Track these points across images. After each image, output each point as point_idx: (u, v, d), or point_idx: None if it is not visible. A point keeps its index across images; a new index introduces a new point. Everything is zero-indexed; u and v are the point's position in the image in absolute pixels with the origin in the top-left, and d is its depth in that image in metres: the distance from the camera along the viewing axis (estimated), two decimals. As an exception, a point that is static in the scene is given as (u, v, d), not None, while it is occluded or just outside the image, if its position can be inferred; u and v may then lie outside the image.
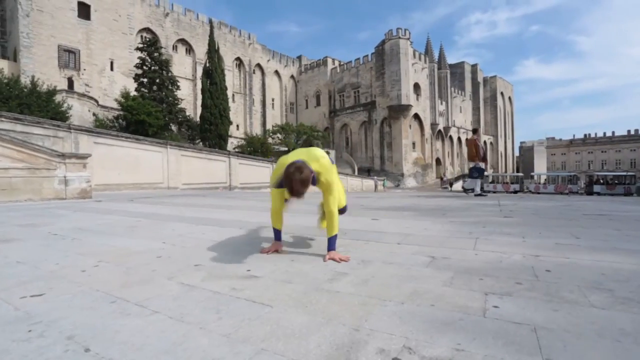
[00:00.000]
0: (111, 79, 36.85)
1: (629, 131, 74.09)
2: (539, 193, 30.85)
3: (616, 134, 75.95)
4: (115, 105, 27.71)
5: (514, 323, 1.19)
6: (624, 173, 35.11)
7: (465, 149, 65.27)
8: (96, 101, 29.79)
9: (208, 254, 2.31)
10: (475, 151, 8.86)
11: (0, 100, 18.20)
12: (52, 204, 7.32)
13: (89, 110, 27.58)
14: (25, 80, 24.06)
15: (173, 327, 1.16)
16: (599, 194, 28.34)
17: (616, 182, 30.95)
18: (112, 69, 37.13)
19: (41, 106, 19.58)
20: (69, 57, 33.53)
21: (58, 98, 22.47)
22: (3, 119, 10.76)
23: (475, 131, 9.60)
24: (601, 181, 31.90)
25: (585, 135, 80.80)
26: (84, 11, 34.62)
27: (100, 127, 21.70)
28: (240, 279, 1.73)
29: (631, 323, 1.19)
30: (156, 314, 1.28)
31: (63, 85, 30.63)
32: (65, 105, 22.54)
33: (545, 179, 38.80)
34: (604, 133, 77.74)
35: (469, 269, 1.89)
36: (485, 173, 41.53)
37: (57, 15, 32.65)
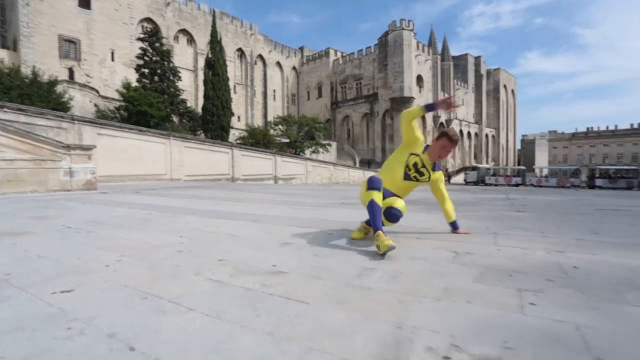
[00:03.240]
0: (112, 70, 36.58)
1: (632, 125, 73.70)
2: (541, 186, 30.81)
3: (619, 127, 75.56)
4: (116, 96, 27.52)
5: (556, 321, 1.18)
6: (626, 167, 34.99)
7: (467, 142, 65.09)
8: (97, 92, 29.61)
9: (229, 248, 2.30)
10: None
11: (1, 90, 18.08)
12: (57, 195, 7.32)
13: (90, 101, 27.43)
14: (25, 70, 23.87)
15: (213, 326, 1.15)
16: (600, 187, 28.31)
17: (618, 175, 30.87)
18: (112, 59, 36.82)
19: (42, 97, 19.45)
20: (69, 47, 33.22)
21: (59, 89, 22.32)
22: (6, 110, 10.71)
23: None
24: (603, 175, 31.82)
25: (587, 128, 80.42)
26: (85, 0, 34.20)
27: (102, 118, 21.59)
28: (268, 274, 1.71)
29: (675, 322, 1.18)
30: (192, 311, 1.27)
31: (64, 75, 30.43)
32: (67, 95, 22.40)
33: (548, 172, 38.71)
34: (607, 127, 77.37)
35: (495, 265, 1.88)
36: (488, 166, 41.28)
37: (57, 5, 32.26)
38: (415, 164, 2.43)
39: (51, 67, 30.32)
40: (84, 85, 28.27)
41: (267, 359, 0.94)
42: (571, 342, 1.05)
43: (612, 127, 76.66)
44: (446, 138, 2.42)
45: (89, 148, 8.98)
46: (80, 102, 25.82)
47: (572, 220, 3.50)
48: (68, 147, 8.56)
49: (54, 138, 9.58)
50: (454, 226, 2.71)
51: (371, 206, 2.18)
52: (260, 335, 1.08)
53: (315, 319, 1.19)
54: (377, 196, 2.19)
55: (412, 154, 2.45)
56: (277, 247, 2.32)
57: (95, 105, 27.06)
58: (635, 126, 72.76)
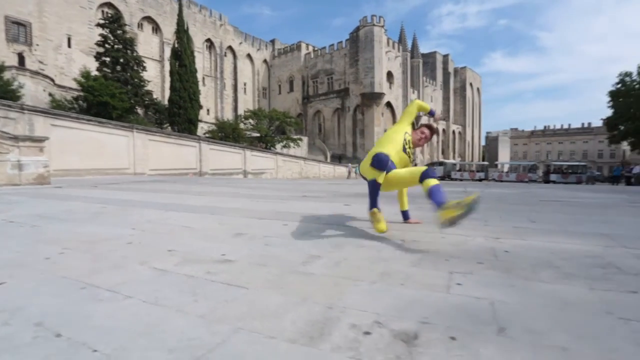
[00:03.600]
0: (69, 57, 34.29)
1: (582, 124, 79.28)
2: (502, 181, 32.50)
3: (572, 126, 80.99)
4: (74, 85, 25.87)
5: (475, 298, 1.30)
6: (577, 163, 37.64)
7: (435, 138, 67.21)
8: (52, 80, 27.68)
9: (181, 240, 2.28)
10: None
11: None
12: (4, 190, 6.84)
13: (44, 90, 25.62)
14: (-32, 54, 21.88)
15: (148, 311, 1.16)
16: (554, 182, 30.30)
17: (570, 171, 33.18)
18: (69, 45, 34.50)
19: (-13, 84, 17.97)
20: (18, 30, 30.71)
21: (7, 75, 20.68)
22: (-55, 97, 9.81)
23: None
24: (558, 170, 34.06)
25: (544, 127, 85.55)
26: (36, -20, 31.70)
27: (58, 109, 20.25)
28: (215, 263, 1.73)
29: (572, 294, 1.33)
30: (129, 298, 1.27)
31: (12, 61, 28.12)
32: (16, 83, 20.81)
33: (508, 168, 40.85)
34: (562, 125, 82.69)
35: (436, 250, 2.00)
36: (454, 162, 42.83)
37: (4, -17, 29.70)
38: (408, 142, 2.68)
39: (-2, 51, 27.98)
40: (36, 73, 26.31)
41: (195, 339, 0.97)
42: (483, 315, 1.16)
43: (565, 126, 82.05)
44: (426, 127, 2.76)
45: (40, 140, 8.44)
46: (32, 91, 24.06)
47: (516, 211, 3.76)
48: (16, 138, 8.00)
49: (0, 129, 8.91)
50: (405, 215, 2.84)
51: (373, 185, 2.31)
52: (193, 318, 1.11)
53: (251, 302, 1.24)
54: (382, 178, 2.31)
55: (406, 132, 2.71)
56: (230, 237, 2.33)
57: (50, 95, 25.31)
58: (586, 125, 78.29)
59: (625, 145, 43.12)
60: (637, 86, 31.63)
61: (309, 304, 1.22)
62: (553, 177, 32.15)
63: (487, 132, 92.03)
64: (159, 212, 3.65)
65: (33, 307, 1.20)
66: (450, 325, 1.07)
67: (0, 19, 29.54)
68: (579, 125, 79.78)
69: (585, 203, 4.66)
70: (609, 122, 34.83)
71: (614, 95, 33.87)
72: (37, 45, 31.73)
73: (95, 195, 5.77)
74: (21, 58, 30.39)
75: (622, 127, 33.00)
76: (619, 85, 33.63)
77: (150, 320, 1.09)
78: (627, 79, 33.04)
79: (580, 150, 76.89)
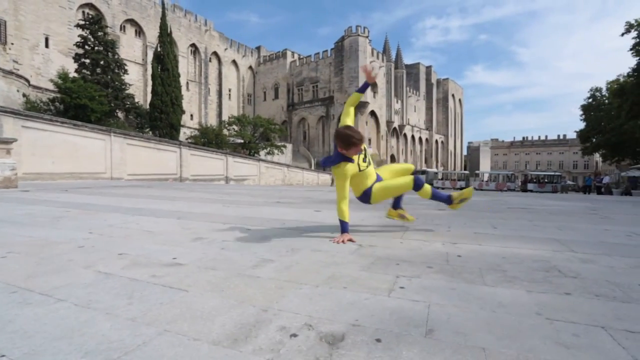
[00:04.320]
0: (46, 57, 33.34)
1: (558, 136, 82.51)
2: (482, 190, 33.27)
3: (549, 137, 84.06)
4: (51, 86, 25.15)
5: (413, 301, 1.32)
6: (553, 173, 39.02)
7: (418, 147, 68.40)
8: (27, 81, 26.79)
9: (136, 244, 2.23)
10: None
11: None
12: (-33, 193, 6.54)
13: (18, 91, 24.75)
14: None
15: (76, 314, 1.13)
16: (532, 191, 31.26)
17: (546, 181, 34.34)
18: (47, 46, 33.58)
19: (-43, 83, 17.22)
20: (-7, 28, 29.73)
21: (-21, 75, 19.91)
22: None
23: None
24: (534, 180, 35.18)
25: (523, 137, 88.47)
26: (13, -22, 30.85)
27: (32, 110, 19.59)
28: (164, 266, 1.70)
29: (509, 297, 1.37)
30: (61, 302, 1.23)
31: (-15, 60, 27.17)
32: (-11, 83, 20.05)
33: (488, 177, 41.92)
34: (539, 137, 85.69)
35: (390, 255, 2.03)
36: (436, 170, 43.74)
37: (-21, -20, 28.78)
38: (364, 150, 2.52)
39: (-30, 50, 26.95)
40: (9, 72, 25.40)
41: (115, 342, 0.95)
42: (416, 317, 1.18)
43: (543, 137, 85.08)
44: (338, 139, 2.33)
45: (7, 141, 8.14)
46: (5, 91, 23.21)
47: (482, 217, 3.85)
48: (-18, 139, 7.69)
49: (-34, 129, 8.55)
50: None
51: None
52: (121, 320, 1.08)
53: (187, 304, 1.22)
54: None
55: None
56: (188, 242, 2.30)
57: (25, 96, 24.48)
58: (562, 137, 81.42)
59: (597, 157, 44.99)
60: (606, 101, 33.18)
61: (245, 307, 1.21)
62: (530, 186, 33.21)
63: (469, 142, 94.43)
64: (124, 216, 3.57)
65: (-47, 311, 1.15)
66: (380, 328, 1.08)
67: (-27, 17, 28.53)
68: (555, 137, 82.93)
69: (550, 210, 4.82)
70: (581, 135, 36.34)
71: (585, 109, 35.44)
72: (12, 44, 30.71)
73: (62, 199, 5.58)
74: (-5, 57, 29.34)
75: (594, 140, 34.47)
76: (590, 100, 35.25)
77: (75, 324, 1.06)
78: (597, 94, 34.71)
79: (557, 160, 79.79)
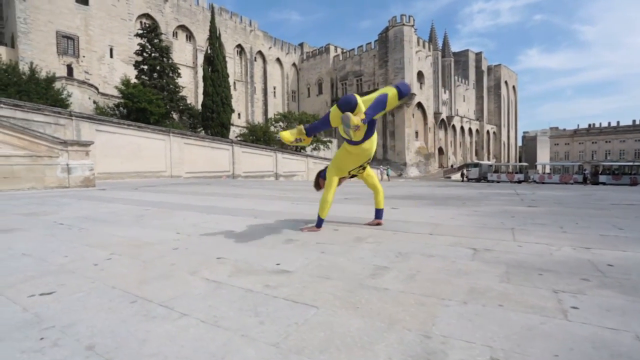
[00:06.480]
0: (111, 66, 36.31)
1: (634, 121, 73.17)
2: (543, 183, 30.60)
3: (621, 124, 75.13)
4: (115, 93, 27.30)
5: (609, 329, 1.02)
6: (630, 163, 34.74)
7: (468, 139, 64.85)
8: (96, 89, 29.38)
9: (228, 246, 2.13)
10: None
11: (-1, 87, 17.87)
12: (55, 192, 7.16)
13: (90, 98, 27.21)
14: (23, 67, 23.63)
15: (209, 334, 0.99)
16: (604, 184, 28.11)
17: (622, 172, 30.67)
18: (111, 55, 36.55)
19: (40, 93, 19.24)
20: (67, 43, 32.94)
21: (57, 85, 22.11)
22: (2, 106, 10.54)
23: None
24: (607, 171, 31.61)
25: (589, 125, 79.95)
26: (82, -4, 33.88)
27: (101, 115, 21.38)
28: (271, 274, 1.55)
29: None
30: (185, 316, 1.11)
31: (62, 72, 30.19)
32: (65, 92, 22.19)
33: (550, 169, 38.47)
34: (609, 123, 76.85)
35: (519, 262, 1.71)
36: (490, 163, 41.11)
37: (55, 0, 31.94)
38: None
39: (50, 63, 30.06)
40: (82, 82, 28.03)
41: (273, 378, 0.78)
42: (635, 355, 0.89)
43: (614, 124, 76.21)
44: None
45: (86, 144, 8.81)
46: (79, 99, 25.60)
47: (589, 216, 3.33)
48: (65, 143, 8.40)
49: (51, 134, 9.41)
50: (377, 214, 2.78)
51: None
52: (263, 345, 0.92)
53: (327, 326, 1.03)
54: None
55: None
56: (280, 244, 2.16)
57: (95, 102, 26.84)
58: (638, 122, 72.34)
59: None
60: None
61: (399, 331, 0.99)
62: (602, 178, 29.87)
63: (524, 132, 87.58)
64: (200, 215, 3.57)
65: (83, 324, 1.07)
66: (598, 371, 0.81)
67: (52, 34, 31.80)
68: (630, 123, 73.85)
69: (666, 207, 4.10)
70: (666, 118, 31.84)
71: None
72: (84, 56, 33.86)
73: (137, 197, 5.87)
74: (70, 69, 32.54)
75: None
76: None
77: (213, 348, 0.91)
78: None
79: (632, 149, 71.05)
